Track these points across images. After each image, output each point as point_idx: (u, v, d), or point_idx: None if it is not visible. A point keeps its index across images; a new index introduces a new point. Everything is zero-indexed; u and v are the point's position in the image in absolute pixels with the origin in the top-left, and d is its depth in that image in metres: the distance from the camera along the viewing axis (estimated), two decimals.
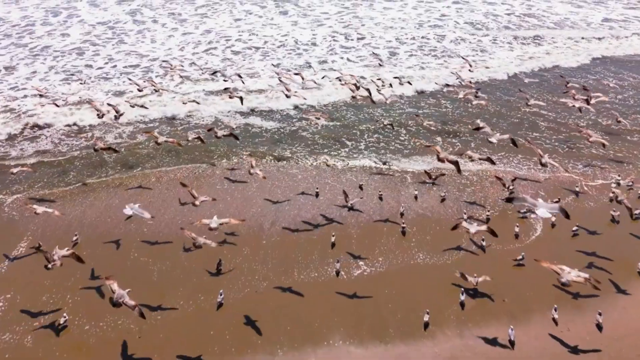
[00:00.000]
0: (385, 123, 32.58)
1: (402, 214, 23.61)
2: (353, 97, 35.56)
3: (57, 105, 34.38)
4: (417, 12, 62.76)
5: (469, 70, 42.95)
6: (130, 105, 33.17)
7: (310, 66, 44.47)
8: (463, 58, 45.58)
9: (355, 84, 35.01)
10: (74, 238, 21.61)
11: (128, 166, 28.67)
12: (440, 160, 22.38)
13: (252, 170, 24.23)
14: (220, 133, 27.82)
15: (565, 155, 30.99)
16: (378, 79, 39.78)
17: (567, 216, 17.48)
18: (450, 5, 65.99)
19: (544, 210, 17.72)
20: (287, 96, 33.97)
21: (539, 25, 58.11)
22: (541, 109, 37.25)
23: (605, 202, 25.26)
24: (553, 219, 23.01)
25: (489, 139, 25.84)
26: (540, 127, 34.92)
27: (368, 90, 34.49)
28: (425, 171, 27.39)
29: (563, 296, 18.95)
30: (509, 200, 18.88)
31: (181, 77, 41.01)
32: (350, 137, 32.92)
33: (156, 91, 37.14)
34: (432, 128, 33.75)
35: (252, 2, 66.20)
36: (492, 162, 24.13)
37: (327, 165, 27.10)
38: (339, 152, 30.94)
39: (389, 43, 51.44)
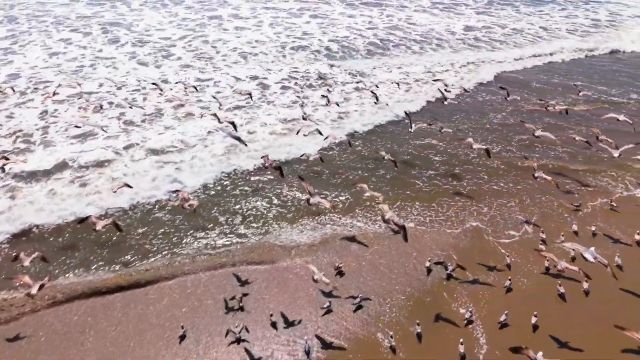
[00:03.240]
0: (386, 158, 28.02)
1: (307, 353, 16.75)
2: None
3: None
4: (275, 31, 56.17)
5: (446, 89, 38.08)
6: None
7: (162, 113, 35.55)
8: (436, 80, 41.19)
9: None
10: None
11: None
12: None
13: None
14: (100, 224, 21.13)
15: (470, 194, 27.16)
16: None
17: None
18: (310, 21, 60.70)
19: None
20: (309, 203, 23.15)
21: (406, 38, 55.38)
22: (432, 140, 33.25)
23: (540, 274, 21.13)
24: None
25: (583, 254, 18.95)
26: (433, 162, 30.73)
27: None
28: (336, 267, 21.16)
29: None
30: None
31: None
32: (223, 209, 25.42)
33: None
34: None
35: (70, 27, 53.42)
36: None
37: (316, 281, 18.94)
38: (209, 237, 23.31)
39: (251, 71, 44.03)
